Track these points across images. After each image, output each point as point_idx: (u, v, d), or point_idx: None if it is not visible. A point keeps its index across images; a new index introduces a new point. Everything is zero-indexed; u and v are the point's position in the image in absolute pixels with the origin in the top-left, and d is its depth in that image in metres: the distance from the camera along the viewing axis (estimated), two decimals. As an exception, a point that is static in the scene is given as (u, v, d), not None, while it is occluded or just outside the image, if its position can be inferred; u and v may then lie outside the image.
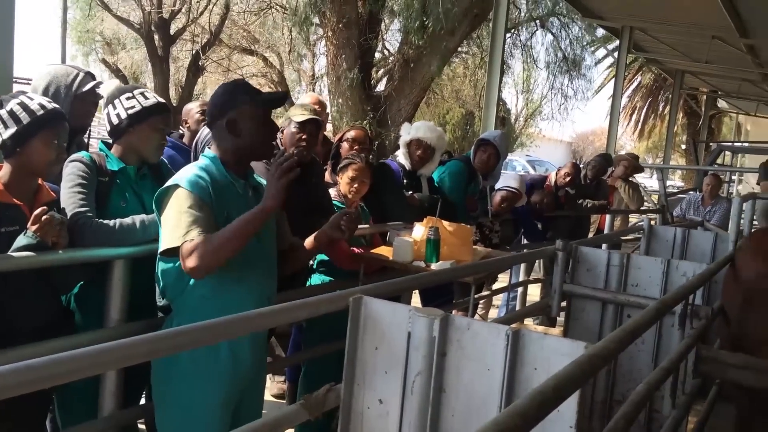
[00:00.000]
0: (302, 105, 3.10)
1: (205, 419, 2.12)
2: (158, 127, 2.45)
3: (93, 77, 2.78)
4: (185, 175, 2.11)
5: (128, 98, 2.41)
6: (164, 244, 2.04)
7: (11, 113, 2.09)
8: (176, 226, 2.01)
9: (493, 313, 5.97)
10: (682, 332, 2.82)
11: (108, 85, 2.60)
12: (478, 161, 4.64)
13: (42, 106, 2.13)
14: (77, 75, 2.72)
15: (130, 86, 2.52)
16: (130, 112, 2.40)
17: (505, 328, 1.59)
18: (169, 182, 2.12)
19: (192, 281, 2.08)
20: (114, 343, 1.30)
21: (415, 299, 4.20)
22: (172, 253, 2.03)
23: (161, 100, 2.50)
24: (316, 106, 3.80)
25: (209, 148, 2.32)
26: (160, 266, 2.15)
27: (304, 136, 3.05)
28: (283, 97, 2.34)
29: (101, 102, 2.64)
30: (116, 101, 2.42)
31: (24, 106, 2.10)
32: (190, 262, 1.98)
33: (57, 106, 2.21)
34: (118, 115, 2.41)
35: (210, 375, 2.12)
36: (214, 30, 16.15)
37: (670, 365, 2.34)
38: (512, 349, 1.56)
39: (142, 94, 2.45)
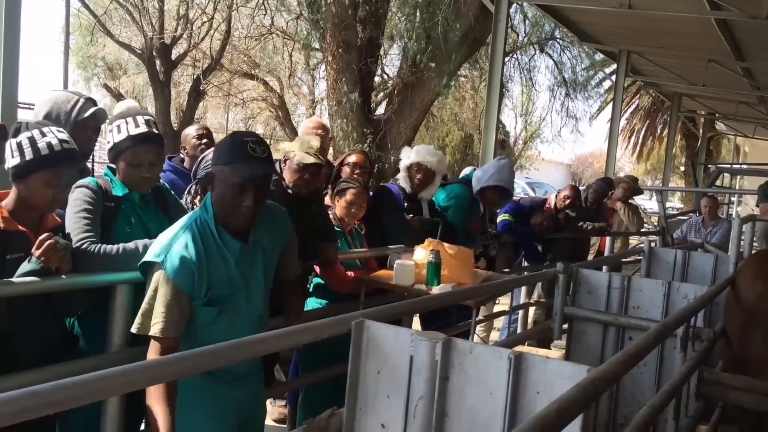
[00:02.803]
0: (309, 144, 3.08)
1: None
2: (134, 162, 2.39)
3: (94, 103, 2.80)
4: (171, 251, 2.04)
5: (110, 131, 2.42)
6: (134, 325, 2.06)
7: (19, 145, 2.10)
8: (147, 312, 2.04)
9: (494, 336, 5.95)
10: (684, 355, 2.81)
11: (121, 105, 2.62)
12: (489, 202, 4.68)
13: (49, 146, 2.10)
14: (77, 101, 2.74)
15: (126, 112, 2.48)
16: (108, 146, 2.40)
17: (507, 351, 1.59)
18: (155, 254, 2.05)
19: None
20: (116, 369, 1.31)
21: (416, 323, 4.19)
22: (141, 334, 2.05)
23: (137, 132, 2.39)
24: (320, 131, 3.83)
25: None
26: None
27: (306, 176, 3.08)
28: (267, 174, 2.23)
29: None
30: (108, 128, 2.44)
31: (32, 142, 2.10)
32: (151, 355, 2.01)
33: (71, 147, 2.17)
34: (108, 143, 2.42)
35: (209, 401, 2.13)
36: (215, 55, 16.29)
37: (673, 388, 2.34)
38: (515, 372, 1.56)
39: (118, 126, 2.41)
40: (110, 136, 2.43)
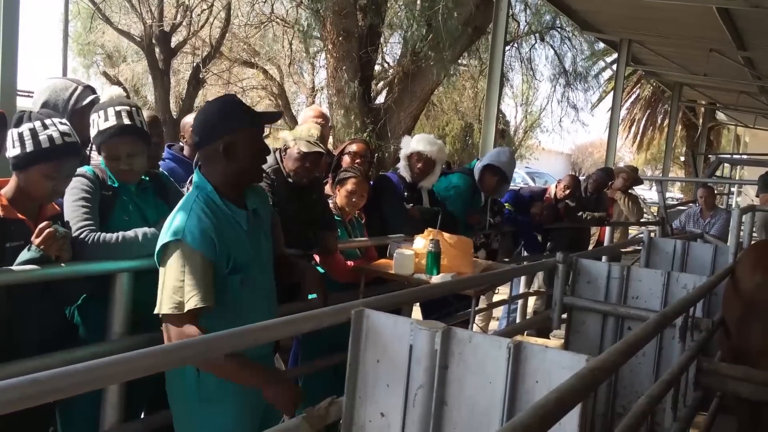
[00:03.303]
0: (309, 132, 3.08)
1: None
2: (111, 155, 2.38)
3: (93, 91, 2.79)
4: (189, 223, 1.99)
5: (90, 127, 2.41)
6: (163, 307, 1.96)
7: (20, 136, 2.09)
8: (178, 289, 1.94)
9: (493, 325, 5.97)
10: (682, 345, 2.82)
11: (107, 92, 2.59)
12: (486, 186, 4.66)
13: (50, 139, 2.09)
14: (76, 89, 2.73)
15: (103, 104, 2.44)
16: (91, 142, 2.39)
17: (506, 340, 1.59)
18: (171, 234, 1.99)
19: None
20: (118, 357, 1.31)
21: (416, 312, 4.20)
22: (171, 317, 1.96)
23: (106, 126, 2.35)
24: (320, 119, 3.82)
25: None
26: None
27: (307, 165, 3.08)
28: (278, 115, 2.32)
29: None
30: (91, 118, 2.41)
31: (33, 134, 2.09)
32: (173, 338, 1.93)
33: (72, 140, 2.16)
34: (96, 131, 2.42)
35: (225, 393, 2.10)
36: (214, 43, 16.22)
37: (671, 378, 2.35)
38: (514, 361, 1.57)
39: (92, 121, 2.39)
40: (90, 130, 2.42)
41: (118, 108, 2.38)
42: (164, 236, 2.01)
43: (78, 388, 1.23)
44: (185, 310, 1.92)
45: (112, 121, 2.35)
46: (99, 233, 2.20)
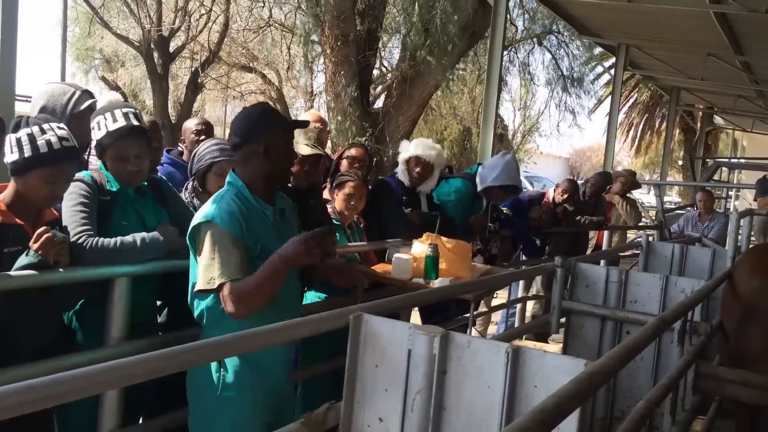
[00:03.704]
0: (307, 135, 3.10)
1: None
2: (120, 156, 2.38)
3: (90, 95, 2.78)
4: (218, 208, 2.14)
5: (92, 129, 2.41)
6: (198, 284, 2.10)
7: (18, 141, 2.09)
8: (210, 266, 2.08)
9: (491, 330, 5.96)
10: (681, 349, 2.82)
11: (102, 99, 2.58)
12: (495, 198, 4.65)
13: (48, 144, 2.09)
14: (74, 93, 2.72)
15: (105, 107, 2.45)
16: (93, 145, 2.40)
17: (505, 345, 1.59)
18: (202, 216, 2.14)
19: None
20: (115, 363, 1.31)
21: (415, 316, 4.20)
22: (206, 292, 2.10)
23: (116, 127, 2.36)
24: (318, 124, 3.82)
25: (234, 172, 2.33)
26: (193, 297, 2.20)
27: (306, 168, 3.09)
28: (306, 124, 2.52)
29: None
30: (91, 125, 2.41)
31: (31, 139, 2.09)
32: (229, 308, 2.07)
33: (71, 144, 2.16)
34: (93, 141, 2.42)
35: (244, 389, 2.18)
36: (213, 47, 16.25)
37: (670, 382, 2.35)
38: (512, 366, 1.57)
39: (98, 123, 2.39)
40: (93, 133, 2.41)
41: (124, 110, 2.41)
42: (196, 220, 2.16)
43: (74, 395, 1.23)
44: (216, 285, 2.06)
45: (122, 122, 2.37)
46: (97, 238, 2.19)
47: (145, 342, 2.28)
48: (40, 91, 2.73)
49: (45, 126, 2.13)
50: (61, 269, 2.07)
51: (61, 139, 2.13)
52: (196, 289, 2.12)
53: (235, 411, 2.18)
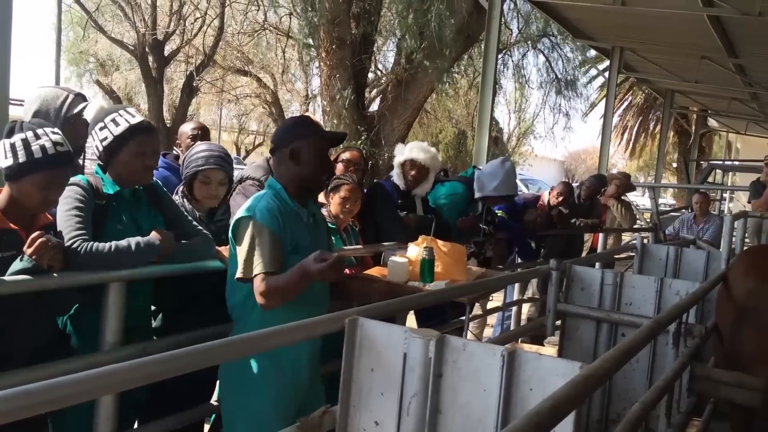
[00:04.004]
0: None
1: (269, 426, 2.22)
2: (140, 151, 2.39)
3: (84, 98, 2.78)
4: (259, 205, 2.32)
5: (102, 128, 2.39)
6: (237, 272, 2.28)
7: (12, 146, 2.08)
8: (249, 258, 2.25)
9: (487, 332, 5.97)
10: (676, 351, 2.83)
11: (91, 108, 2.57)
12: (491, 203, 4.69)
13: (42, 149, 2.08)
14: (67, 97, 2.71)
15: (103, 112, 2.45)
16: (105, 143, 2.38)
17: (500, 348, 1.59)
18: (244, 211, 2.31)
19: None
20: (110, 368, 1.30)
21: (411, 319, 4.20)
22: (244, 280, 2.28)
23: (137, 121, 2.41)
24: None
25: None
26: (230, 288, 2.37)
27: None
28: (342, 137, 2.66)
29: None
30: (93, 132, 2.41)
31: (25, 144, 2.08)
32: (260, 300, 2.24)
33: (65, 149, 2.15)
34: (97, 147, 2.40)
35: (272, 384, 2.31)
36: (208, 51, 16.24)
37: (665, 384, 2.35)
38: (508, 369, 1.57)
39: (113, 120, 2.39)
40: (105, 131, 2.39)
41: (132, 110, 2.47)
42: (238, 214, 2.34)
43: (70, 400, 1.22)
44: (253, 275, 2.23)
45: (140, 118, 2.43)
46: (91, 243, 2.19)
47: (139, 347, 2.28)
48: (33, 95, 2.72)
49: (39, 131, 2.12)
50: (55, 274, 2.06)
51: (55, 144, 2.12)
52: (235, 277, 2.28)
53: (258, 404, 2.30)
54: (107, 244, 2.21)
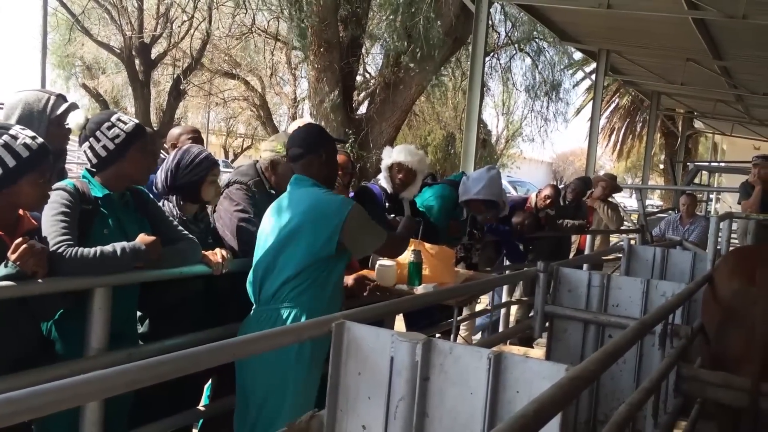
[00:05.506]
0: (280, 141, 3.14)
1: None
2: (147, 150, 2.47)
3: (65, 99, 2.76)
4: (344, 197, 2.82)
5: (109, 127, 2.40)
6: (375, 244, 2.77)
7: None
8: (373, 229, 2.74)
9: (477, 335, 5.98)
10: (662, 352, 2.85)
11: (76, 115, 2.55)
12: (476, 210, 4.65)
13: (27, 147, 2.09)
14: (49, 99, 2.70)
15: (105, 114, 2.48)
16: (117, 141, 2.39)
17: (487, 351, 1.59)
18: (343, 203, 2.63)
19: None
20: (95, 375, 1.29)
21: (399, 323, 4.20)
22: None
23: (137, 121, 2.51)
24: None
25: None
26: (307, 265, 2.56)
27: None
28: (345, 141, 3.11)
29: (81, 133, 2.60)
30: (98, 133, 2.40)
31: (8, 148, 2.07)
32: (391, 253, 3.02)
33: (42, 141, 2.16)
34: (105, 146, 2.39)
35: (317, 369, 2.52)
36: (195, 54, 16.18)
37: (651, 385, 2.36)
38: (494, 372, 1.57)
39: (119, 119, 2.44)
40: (115, 129, 2.39)
41: (123, 115, 2.51)
42: (344, 205, 2.61)
43: (54, 407, 1.21)
44: (385, 238, 2.77)
45: (132, 124, 2.46)
46: (76, 248, 2.17)
47: (125, 352, 2.26)
48: (13, 99, 2.69)
49: (13, 132, 2.12)
50: (39, 280, 2.05)
51: (33, 138, 2.14)
52: (376, 247, 2.81)
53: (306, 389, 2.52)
54: (92, 250, 2.20)
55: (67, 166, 3.01)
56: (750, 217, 4.97)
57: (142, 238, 2.33)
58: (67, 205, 2.26)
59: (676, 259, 4.75)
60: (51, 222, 2.22)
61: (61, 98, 2.74)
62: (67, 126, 2.61)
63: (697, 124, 19.43)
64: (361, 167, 9.44)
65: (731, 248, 4.77)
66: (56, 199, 2.25)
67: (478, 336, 5.96)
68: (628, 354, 3.15)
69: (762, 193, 5.88)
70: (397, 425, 1.68)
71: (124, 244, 2.27)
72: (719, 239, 4.32)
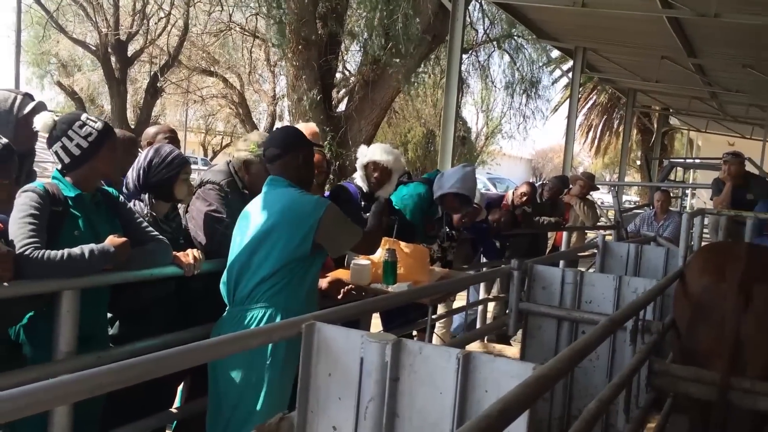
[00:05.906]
0: (254, 141, 3.14)
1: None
2: (117, 148, 2.49)
3: (32, 98, 2.73)
4: (319, 197, 2.77)
5: (81, 126, 2.38)
6: (351, 242, 2.77)
7: None
8: (351, 225, 2.77)
9: (455, 332, 6.00)
10: (633, 347, 2.88)
11: (42, 117, 2.52)
12: (449, 206, 4.61)
13: None
14: (15, 98, 2.66)
15: (74, 114, 2.45)
16: (90, 139, 2.38)
17: (455, 351, 1.60)
18: (318, 203, 2.63)
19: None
20: (60, 380, 1.28)
21: (375, 321, 4.20)
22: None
23: (106, 120, 2.56)
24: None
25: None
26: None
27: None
28: (320, 145, 3.02)
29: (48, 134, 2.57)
30: (70, 132, 2.38)
31: None
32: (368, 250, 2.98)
33: (6, 141, 2.14)
34: (78, 145, 2.37)
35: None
36: (172, 51, 16.03)
37: (621, 380, 2.39)
38: (463, 372, 1.58)
39: (89, 119, 2.44)
40: (87, 128, 2.39)
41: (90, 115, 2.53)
42: (319, 205, 2.61)
43: (21, 412, 1.20)
44: (361, 236, 2.78)
45: (101, 123, 2.47)
46: (43, 251, 2.14)
47: (94, 356, 2.24)
48: None
49: None
50: (5, 283, 2.02)
51: None
52: (352, 246, 2.82)
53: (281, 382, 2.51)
54: (60, 252, 2.17)
55: (44, 165, 2.97)
56: (721, 214, 5.04)
57: (111, 240, 2.31)
58: (36, 207, 2.23)
59: (649, 255, 4.81)
60: (18, 224, 2.19)
61: (29, 97, 2.71)
62: (34, 128, 2.57)
63: (673, 121, 19.65)
64: (340, 165, 9.43)
65: (703, 244, 4.83)
66: (25, 201, 2.23)
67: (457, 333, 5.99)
68: (600, 350, 3.20)
69: (733, 190, 5.98)
70: (368, 425, 1.68)
71: (93, 246, 2.25)
72: (691, 235, 4.38)
